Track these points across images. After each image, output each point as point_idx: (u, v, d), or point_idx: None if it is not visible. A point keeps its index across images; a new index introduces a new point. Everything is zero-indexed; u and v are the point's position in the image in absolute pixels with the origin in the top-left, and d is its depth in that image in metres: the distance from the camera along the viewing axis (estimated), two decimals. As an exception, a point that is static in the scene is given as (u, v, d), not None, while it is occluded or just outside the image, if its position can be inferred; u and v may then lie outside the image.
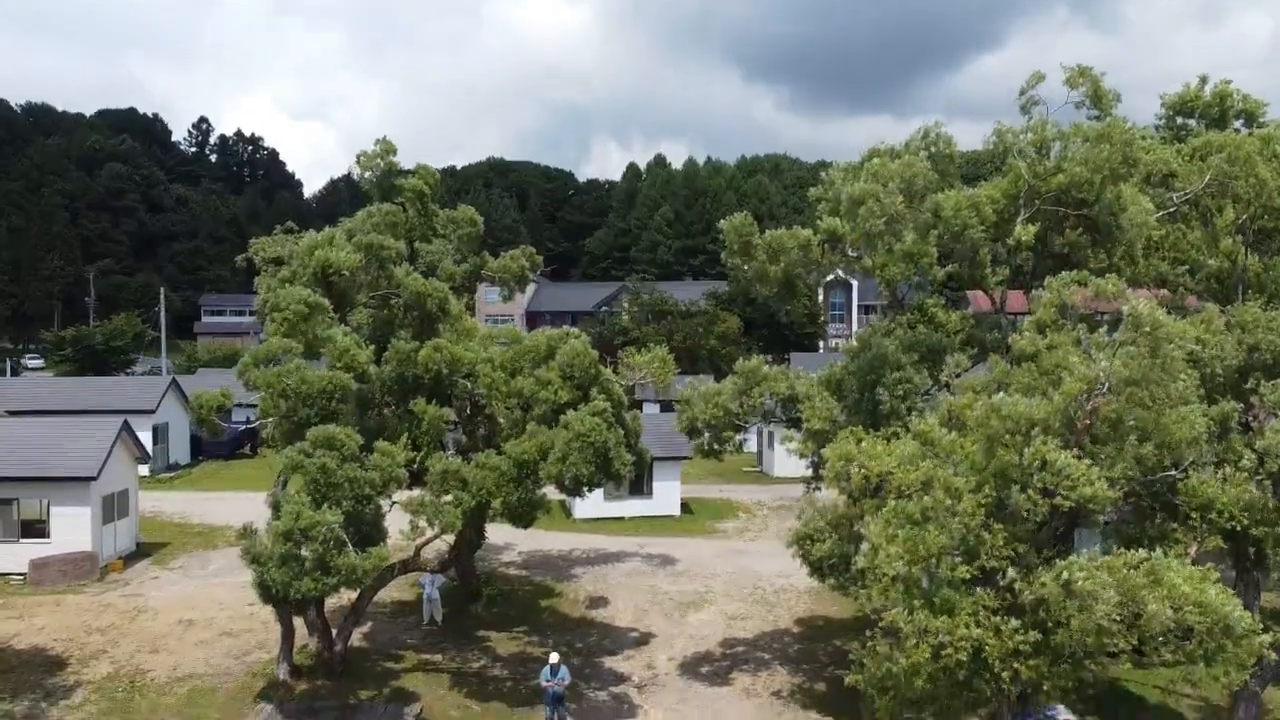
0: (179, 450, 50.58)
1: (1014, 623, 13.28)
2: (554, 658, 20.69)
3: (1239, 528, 14.66)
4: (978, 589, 13.77)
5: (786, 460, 47.46)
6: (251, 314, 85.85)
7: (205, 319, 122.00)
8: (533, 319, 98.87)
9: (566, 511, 40.19)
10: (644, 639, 26.25)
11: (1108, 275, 18.46)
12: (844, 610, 28.05)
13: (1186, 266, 23.50)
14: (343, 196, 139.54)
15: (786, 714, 21.67)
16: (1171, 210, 22.48)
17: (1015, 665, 13.15)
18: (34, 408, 42.82)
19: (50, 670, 22.88)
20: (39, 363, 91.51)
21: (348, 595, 22.65)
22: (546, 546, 35.31)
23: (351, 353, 20.63)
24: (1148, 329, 14.41)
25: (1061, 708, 19.39)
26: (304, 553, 16.24)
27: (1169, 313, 15.25)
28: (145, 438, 40.21)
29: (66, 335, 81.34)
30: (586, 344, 21.97)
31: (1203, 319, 17.41)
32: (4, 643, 24.46)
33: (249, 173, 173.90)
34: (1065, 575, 12.96)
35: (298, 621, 22.57)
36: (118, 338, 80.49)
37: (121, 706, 21.21)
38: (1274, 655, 13.37)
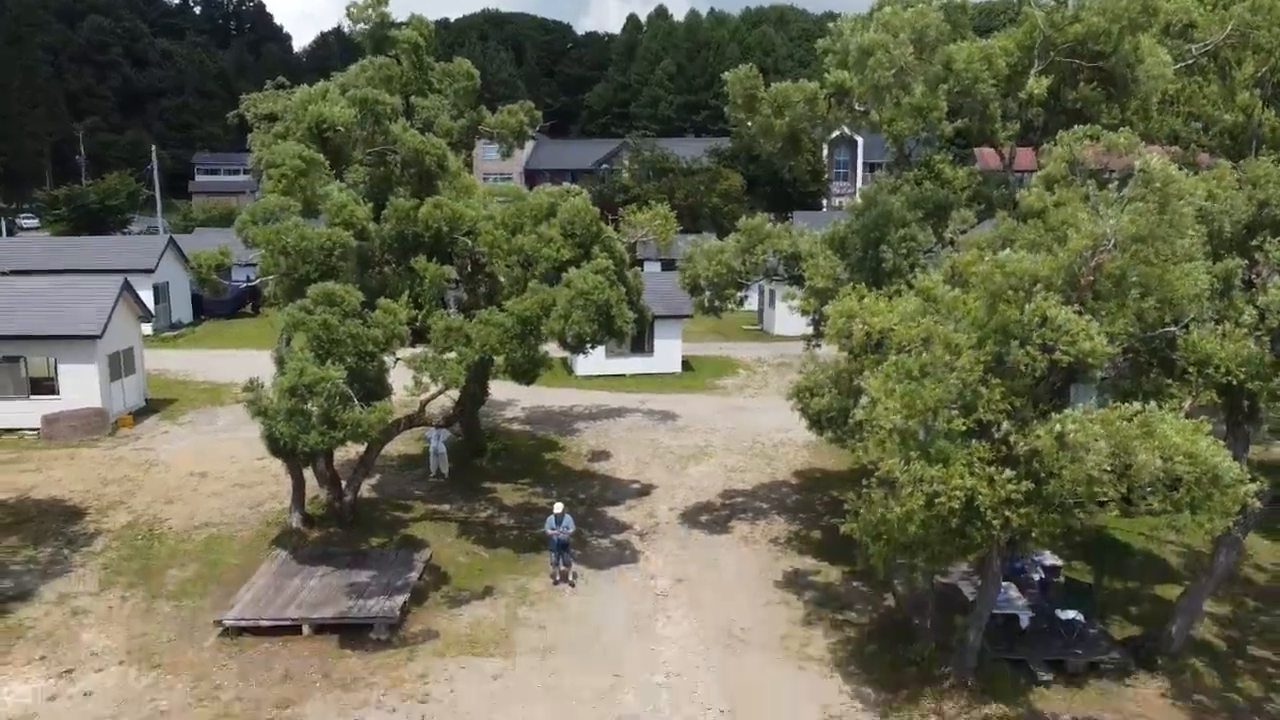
0: (181, 309, 50.77)
1: (1007, 473, 13.60)
2: (558, 507, 21.32)
3: (1235, 382, 14.83)
4: (973, 441, 14.06)
5: (787, 318, 47.67)
6: (246, 173, 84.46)
7: (199, 178, 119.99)
8: (531, 177, 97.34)
9: (568, 369, 40.70)
10: (645, 490, 27.01)
11: (1120, 130, 18.10)
12: (840, 463, 28.75)
13: (1200, 122, 23.00)
14: (333, 50, 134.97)
15: (783, 560, 22.52)
16: (1189, 63, 21.83)
17: (1006, 513, 13.56)
18: (33, 267, 42.70)
19: (70, 519, 23.65)
20: (34, 222, 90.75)
21: (355, 449, 23.19)
22: (549, 403, 35.90)
23: (349, 209, 20.41)
24: (1158, 184, 14.22)
25: (1048, 553, 20.17)
26: (310, 408, 16.50)
27: (1181, 169, 15.03)
28: (146, 297, 40.25)
29: (60, 194, 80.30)
30: (588, 201, 21.72)
31: (1214, 175, 17.13)
32: (23, 494, 25.20)
33: (235, 26, 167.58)
34: (1059, 428, 13.22)
35: (308, 474, 23.20)
36: (112, 197, 79.50)
37: (142, 552, 22.03)
38: (1258, 503, 13.78)
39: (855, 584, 21.12)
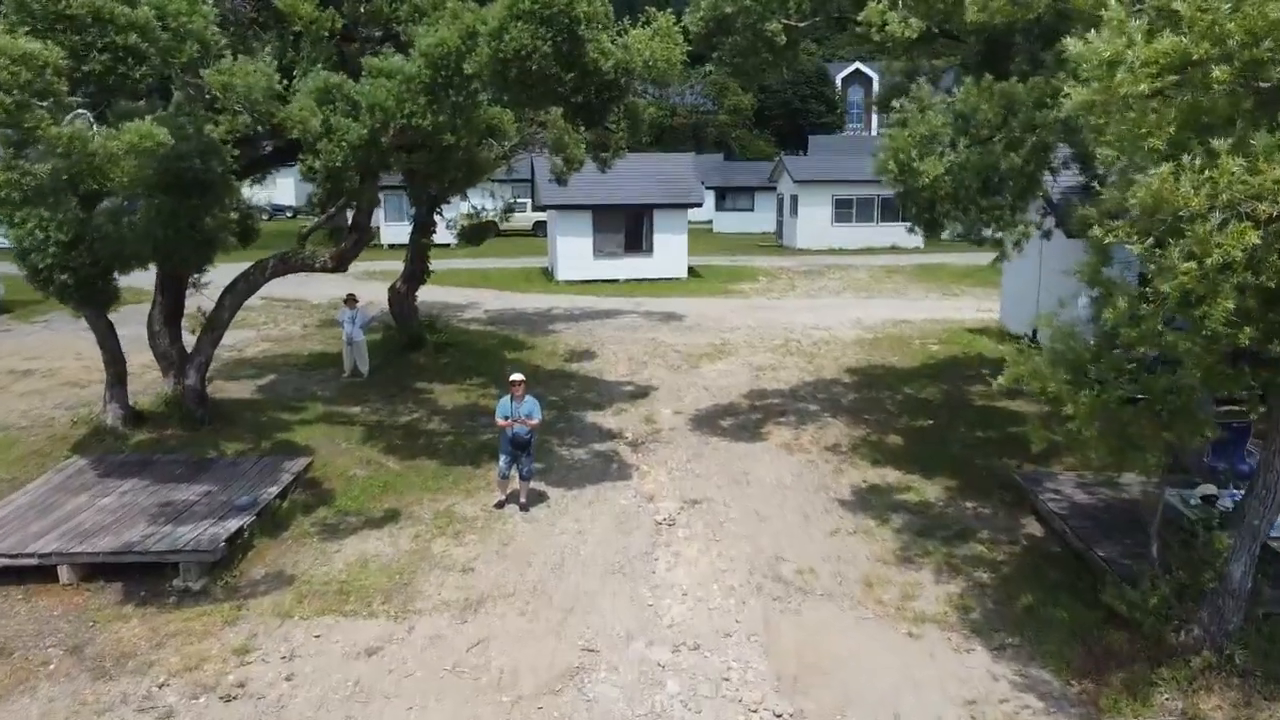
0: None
1: None
2: (517, 377, 13.66)
3: None
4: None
5: (810, 230, 40.00)
6: None
7: None
8: None
9: (549, 275, 33.16)
10: (641, 392, 19.36)
11: None
12: (908, 358, 21.17)
13: None
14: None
15: (849, 471, 14.82)
16: None
17: None
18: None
19: None
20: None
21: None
22: (521, 306, 28.26)
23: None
24: None
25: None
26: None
27: None
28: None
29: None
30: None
31: None
32: None
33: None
34: None
35: (138, 353, 15.63)
36: None
37: (-127, 465, 14.40)
38: None
39: (968, 504, 13.49)
